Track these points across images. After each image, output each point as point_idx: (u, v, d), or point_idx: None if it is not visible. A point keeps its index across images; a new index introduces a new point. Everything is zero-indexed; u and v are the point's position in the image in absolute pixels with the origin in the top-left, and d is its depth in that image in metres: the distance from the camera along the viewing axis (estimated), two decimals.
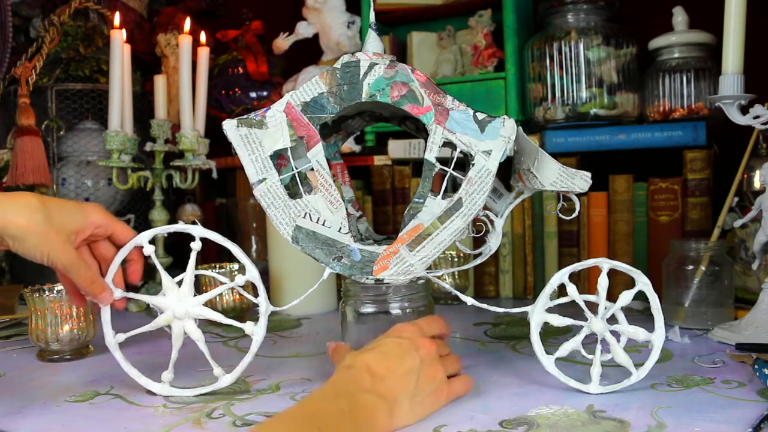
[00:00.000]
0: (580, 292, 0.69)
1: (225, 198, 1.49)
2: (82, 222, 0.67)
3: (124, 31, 1.17)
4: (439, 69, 1.29)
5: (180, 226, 0.72)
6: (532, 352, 0.69)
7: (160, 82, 1.22)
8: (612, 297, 0.68)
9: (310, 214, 0.69)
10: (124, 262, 0.72)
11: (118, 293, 0.71)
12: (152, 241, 0.73)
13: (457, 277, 1.16)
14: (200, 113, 1.22)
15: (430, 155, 0.68)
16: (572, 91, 1.14)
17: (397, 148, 1.26)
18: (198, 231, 0.71)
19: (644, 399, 0.65)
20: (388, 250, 0.69)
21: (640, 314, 0.98)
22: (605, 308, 0.69)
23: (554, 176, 0.69)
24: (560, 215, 0.75)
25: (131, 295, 0.72)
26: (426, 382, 0.61)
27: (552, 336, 0.89)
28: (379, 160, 1.27)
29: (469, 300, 0.72)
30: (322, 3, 1.31)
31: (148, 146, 1.20)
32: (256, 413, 0.65)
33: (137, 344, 0.89)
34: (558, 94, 1.15)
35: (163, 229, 0.73)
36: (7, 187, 1.21)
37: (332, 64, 0.70)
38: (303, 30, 1.35)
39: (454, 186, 0.69)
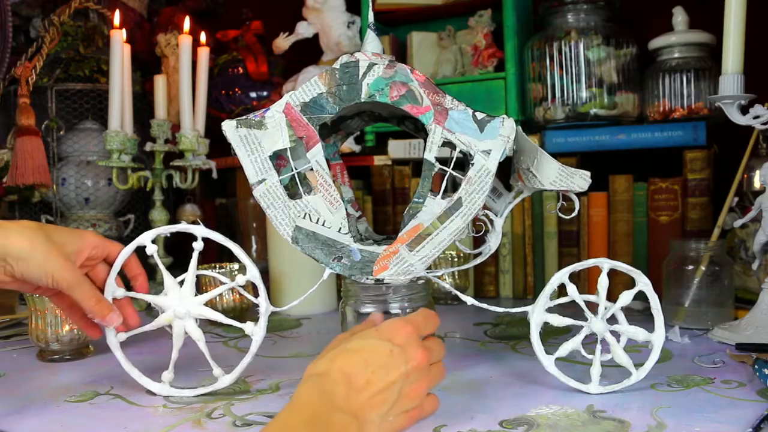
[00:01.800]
0: (580, 292, 0.69)
1: (225, 198, 1.49)
2: (79, 243, 0.68)
3: (124, 31, 1.17)
4: (439, 69, 1.29)
5: (182, 226, 0.72)
6: (532, 352, 0.69)
7: (160, 82, 1.22)
8: (612, 297, 0.68)
9: (309, 215, 0.69)
10: (125, 276, 0.72)
11: (120, 292, 0.71)
12: (153, 241, 0.73)
13: (457, 277, 1.16)
14: (200, 113, 1.22)
15: (430, 155, 0.68)
16: (572, 91, 1.14)
17: (397, 148, 1.26)
18: (200, 231, 0.71)
19: (644, 399, 0.65)
20: (388, 250, 0.69)
21: (640, 314, 0.98)
22: (605, 308, 0.69)
23: (554, 175, 0.69)
24: (560, 214, 0.75)
25: (133, 294, 0.72)
26: (405, 401, 0.53)
27: (552, 336, 0.89)
28: (379, 160, 1.27)
29: (469, 300, 0.72)
30: (322, 3, 1.31)
31: (148, 146, 1.20)
32: (256, 413, 0.65)
33: (137, 344, 0.89)
34: (558, 94, 1.15)
35: (165, 229, 0.73)
36: (7, 187, 1.21)
37: (332, 64, 0.70)
38: (303, 30, 1.35)
39: (454, 186, 0.69)
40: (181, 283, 0.72)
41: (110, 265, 0.71)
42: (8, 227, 0.64)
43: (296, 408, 0.49)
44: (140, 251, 0.73)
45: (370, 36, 0.70)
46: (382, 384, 0.51)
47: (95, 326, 0.71)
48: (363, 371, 0.51)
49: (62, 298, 0.69)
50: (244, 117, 0.69)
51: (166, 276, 0.72)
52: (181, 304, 0.71)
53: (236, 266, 1.10)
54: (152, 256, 0.72)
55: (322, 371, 0.51)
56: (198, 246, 0.71)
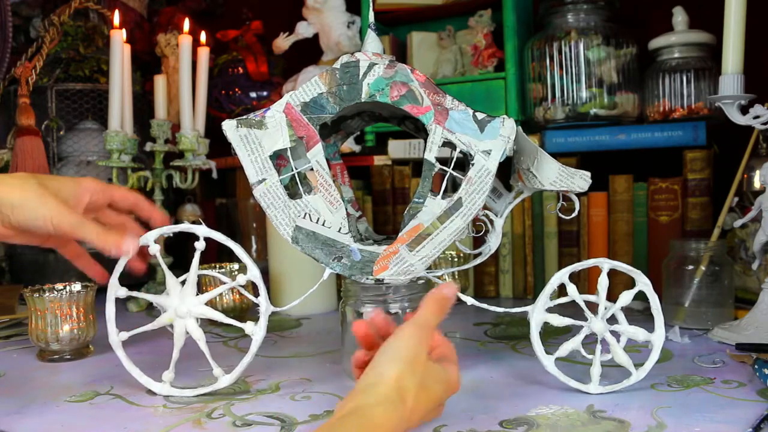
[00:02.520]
0: (580, 292, 0.69)
1: (225, 198, 1.49)
2: (76, 189, 0.66)
3: (124, 31, 1.17)
4: (439, 69, 1.29)
5: (185, 226, 0.72)
6: (532, 352, 0.69)
7: (160, 82, 1.22)
8: (612, 297, 0.68)
9: (309, 215, 0.69)
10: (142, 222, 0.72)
11: (122, 292, 0.71)
12: (156, 241, 0.73)
13: (457, 277, 1.16)
14: (200, 113, 1.22)
15: (430, 155, 0.68)
16: (572, 91, 1.14)
17: (397, 148, 1.26)
18: (202, 231, 0.71)
19: (644, 399, 0.65)
20: (388, 250, 0.69)
21: (640, 314, 0.98)
22: (605, 308, 0.69)
23: (554, 176, 0.69)
24: (560, 215, 0.75)
25: (137, 294, 0.72)
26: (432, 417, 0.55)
27: (552, 336, 0.89)
28: (379, 160, 1.27)
29: (470, 300, 0.72)
30: (322, 3, 1.31)
31: (148, 146, 1.20)
32: (256, 413, 0.65)
33: (138, 344, 0.89)
34: (558, 94, 1.15)
35: (168, 229, 0.72)
36: None
37: (332, 64, 0.70)
38: (303, 30, 1.35)
39: (454, 186, 0.69)
40: (183, 282, 0.72)
41: (117, 210, 0.70)
42: (0, 179, 0.62)
43: (367, 429, 0.45)
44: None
45: (371, 36, 0.70)
46: (413, 427, 0.51)
47: (101, 270, 0.71)
48: (418, 418, 0.50)
49: (69, 247, 0.68)
50: (244, 117, 0.69)
51: (168, 276, 0.72)
52: (182, 303, 0.71)
53: (236, 266, 1.10)
54: (154, 255, 0.72)
55: (405, 400, 0.48)
56: (200, 246, 0.71)
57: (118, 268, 0.71)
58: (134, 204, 0.70)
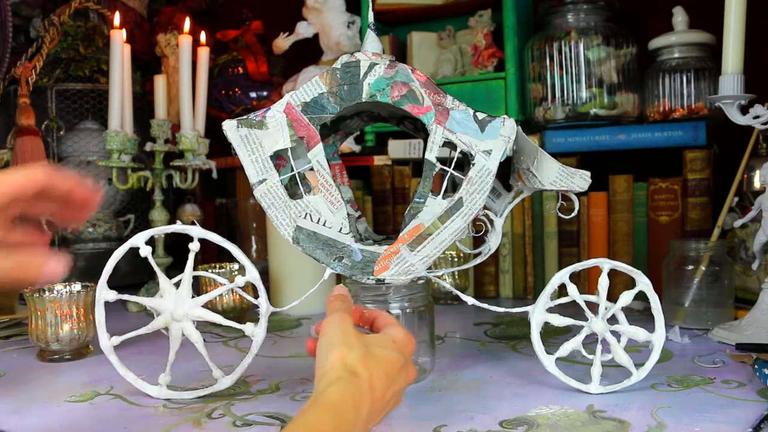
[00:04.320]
0: (581, 292, 0.69)
1: (225, 198, 1.49)
2: None
3: (124, 31, 1.17)
4: (439, 69, 1.29)
5: (178, 227, 0.71)
6: (532, 352, 0.69)
7: (160, 82, 1.22)
8: (612, 297, 0.68)
9: (310, 215, 0.69)
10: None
11: (112, 295, 0.70)
12: (151, 242, 0.72)
13: (457, 277, 1.16)
14: (200, 113, 1.22)
15: (431, 155, 0.68)
16: (572, 91, 1.14)
17: (397, 148, 1.26)
18: (196, 232, 0.71)
19: (644, 399, 0.65)
20: (389, 250, 0.69)
21: (640, 314, 0.98)
22: (606, 308, 0.69)
23: (554, 175, 0.69)
24: (559, 214, 0.75)
25: (128, 297, 0.72)
26: (389, 409, 0.55)
27: (552, 336, 0.89)
28: (379, 160, 1.27)
29: (470, 300, 0.72)
30: (322, 3, 1.31)
31: (148, 146, 1.20)
32: (256, 413, 0.65)
33: (138, 344, 0.89)
34: (558, 94, 1.15)
35: (160, 230, 0.72)
36: None
37: (332, 64, 0.70)
38: (303, 30, 1.35)
39: (454, 186, 0.69)
40: (177, 284, 0.70)
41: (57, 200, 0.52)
42: None
43: (326, 410, 0.47)
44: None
45: (370, 36, 0.70)
46: (389, 396, 0.53)
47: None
48: (384, 385, 0.52)
49: None
50: (244, 117, 0.69)
51: (162, 278, 0.71)
52: (177, 306, 0.70)
53: (236, 266, 1.10)
54: (147, 258, 0.71)
55: (357, 372, 0.50)
56: (194, 247, 0.70)
57: (106, 272, 0.70)
58: (66, 194, 0.51)
